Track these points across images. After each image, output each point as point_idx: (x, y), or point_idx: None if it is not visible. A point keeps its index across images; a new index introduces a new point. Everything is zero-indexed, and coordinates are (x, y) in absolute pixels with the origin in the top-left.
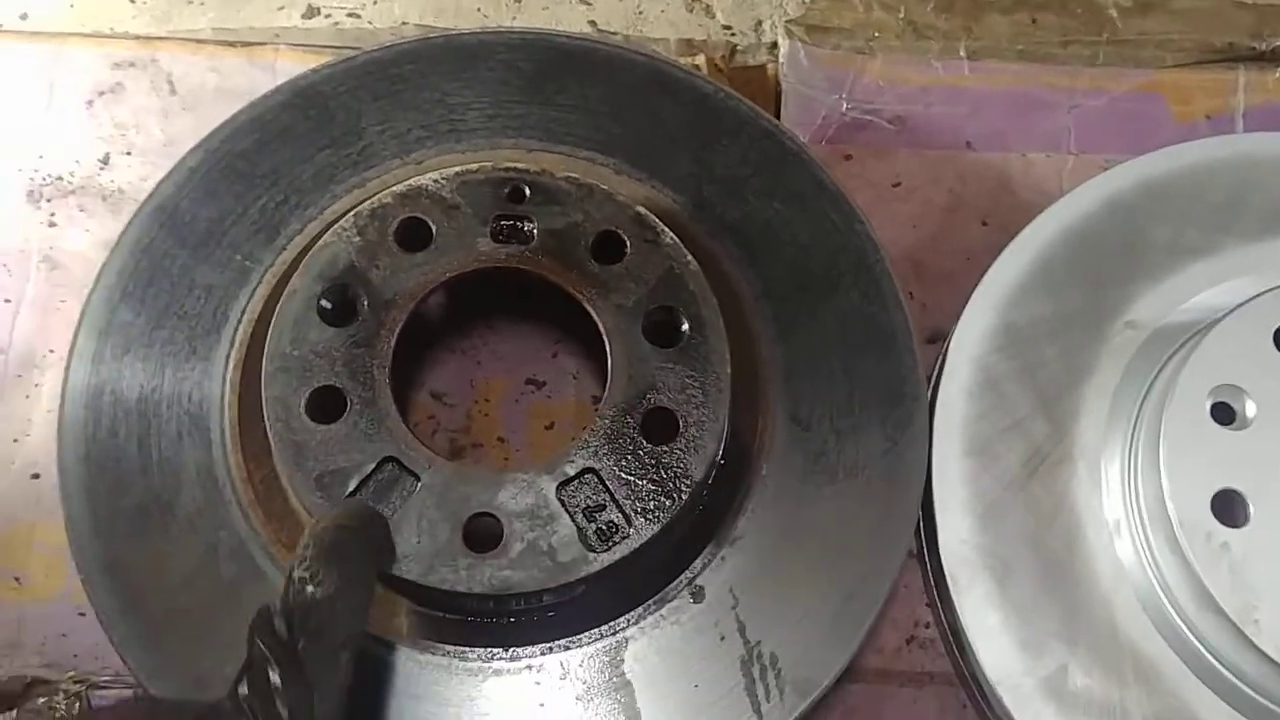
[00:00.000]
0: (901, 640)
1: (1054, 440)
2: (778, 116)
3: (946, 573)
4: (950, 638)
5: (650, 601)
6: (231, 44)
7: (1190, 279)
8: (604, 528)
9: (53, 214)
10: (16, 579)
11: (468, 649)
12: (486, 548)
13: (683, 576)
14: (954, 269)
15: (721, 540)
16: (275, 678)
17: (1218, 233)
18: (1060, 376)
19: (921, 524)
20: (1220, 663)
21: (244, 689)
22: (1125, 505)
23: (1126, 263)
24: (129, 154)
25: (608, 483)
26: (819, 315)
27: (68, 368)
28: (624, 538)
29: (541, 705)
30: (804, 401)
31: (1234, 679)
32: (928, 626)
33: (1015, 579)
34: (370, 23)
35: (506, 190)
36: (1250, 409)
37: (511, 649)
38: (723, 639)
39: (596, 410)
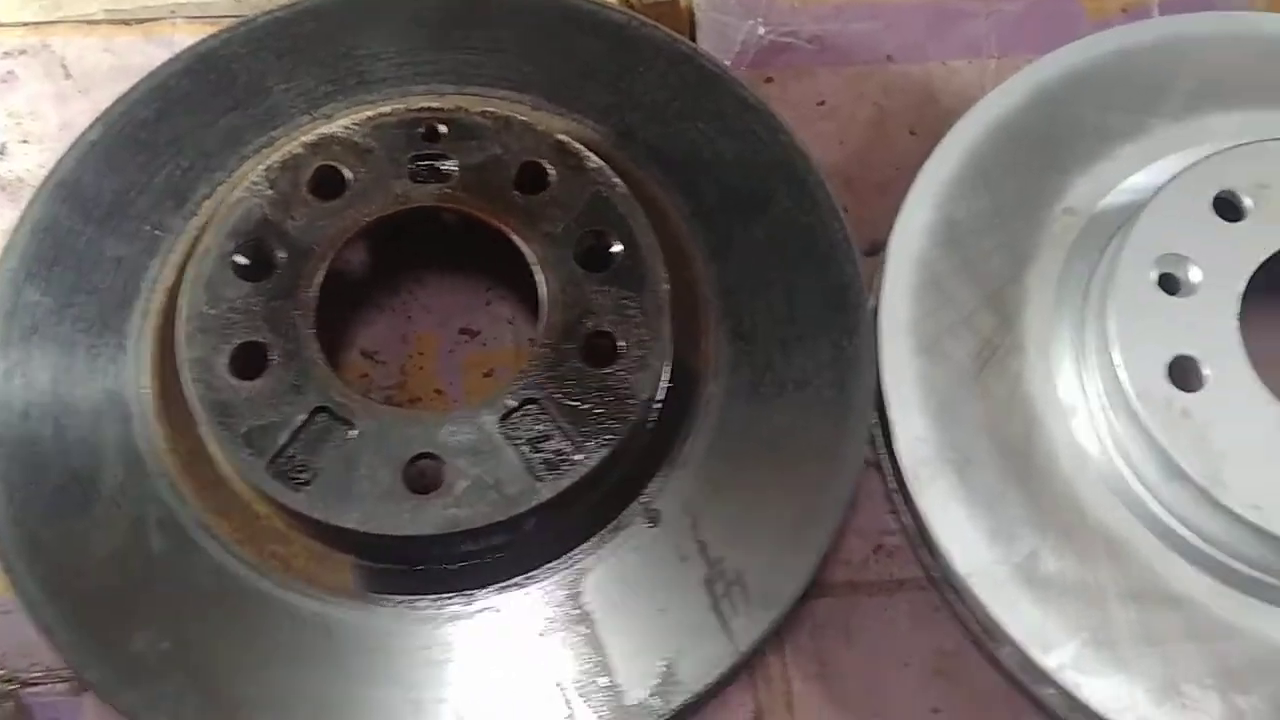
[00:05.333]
0: (868, 550)
1: (1003, 331)
2: None
3: (906, 472)
4: (917, 540)
5: (605, 530)
6: (126, 22)
7: (1122, 162)
8: (551, 457)
9: None
10: None
11: (419, 597)
12: (430, 489)
13: (637, 502)
14: (886, 180)
15: (674, 462)
16: None
17: (1144, 114)
18: (1003, 268)
19: (879, 430)
20: (1190, 530)
21: None
22: (1081, 386)
23: (1058, 151)
24: (25, 142)
25: (551, 411)
26: (753, 230)
27: None
28: (572, 464)
29: (501, 645)
30: (745, 317)
31: (1205, 545)
32: (893, 534)
33: (976, 470)
34: None
35: (421, 130)
36: (1196, 275)
37: (465, 592)
38: (684, 560)
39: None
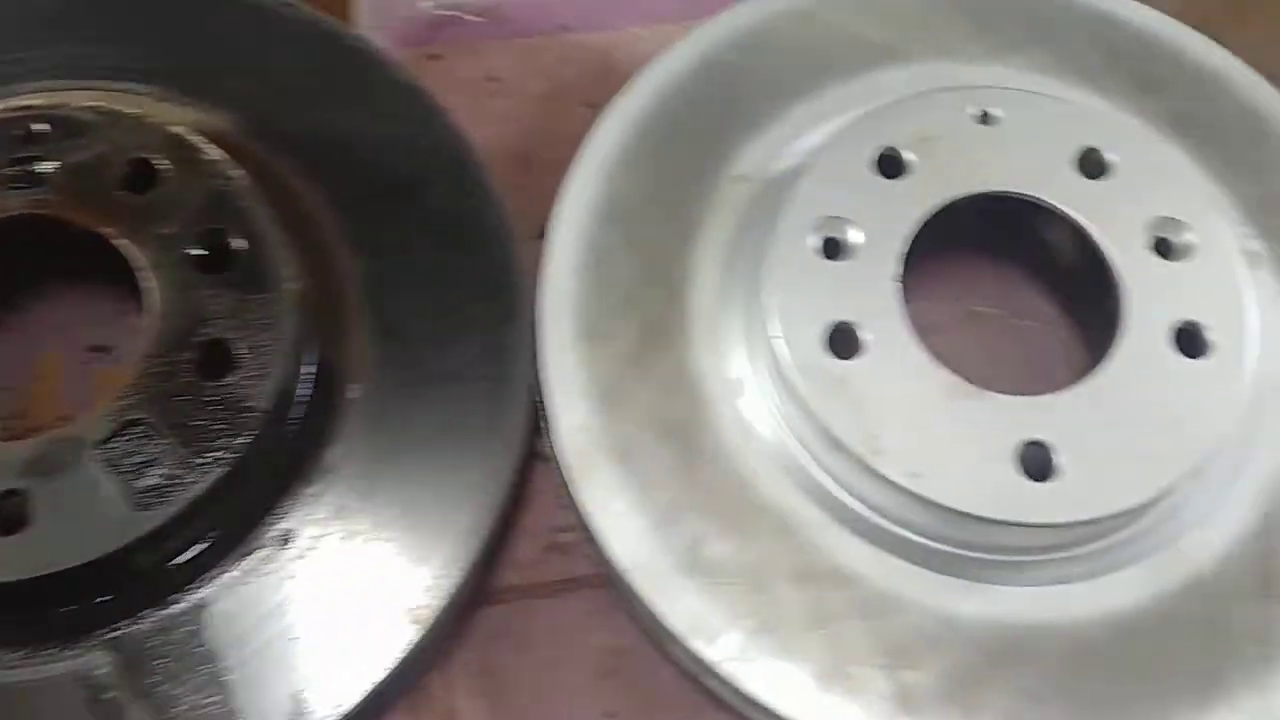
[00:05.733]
0: (539, 550)
1: (670, 308)
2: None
3: (567, 463)
4: (589, 535)
5: (232, 556)
6: None
7: (793, 123)
8: (159, 482)
9: None
10: None
11: (18, 650)
12: (15, 529)
13: (268, 522)
14: (562, 157)
15: (313, 475)
16: None
17: (817, 73)
18: (671, 241)
19: (546, 422)
20: (855, 501)
21: None
22: (749, 361)
23: (727, 116)
24: None
25: (159, 432)
26: (404, 219)
27: None
28: (181, 489)
29: (108, 697)
30: (394, 312)
31: (871, 516)
32: (567, 531)
33: (639, 458)
34: None
35: (19, 132)
36: (857, 237)
37: (70, 641)
38: (319, 582)
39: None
